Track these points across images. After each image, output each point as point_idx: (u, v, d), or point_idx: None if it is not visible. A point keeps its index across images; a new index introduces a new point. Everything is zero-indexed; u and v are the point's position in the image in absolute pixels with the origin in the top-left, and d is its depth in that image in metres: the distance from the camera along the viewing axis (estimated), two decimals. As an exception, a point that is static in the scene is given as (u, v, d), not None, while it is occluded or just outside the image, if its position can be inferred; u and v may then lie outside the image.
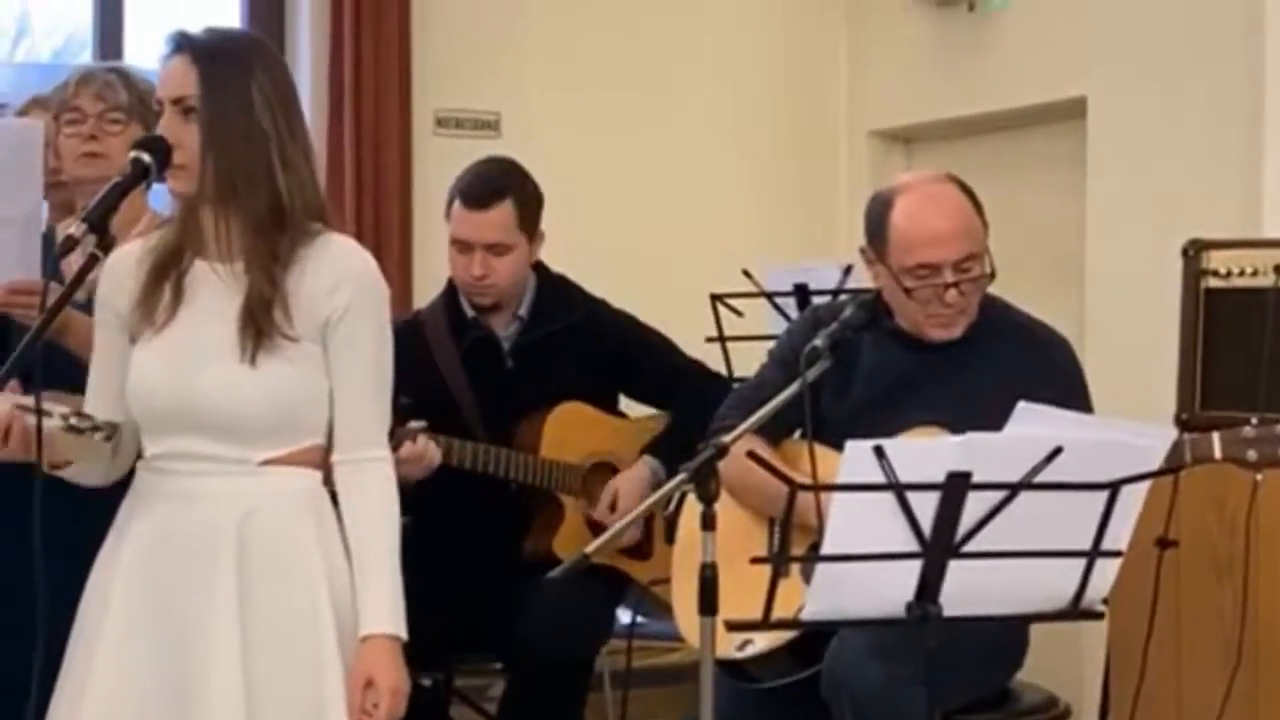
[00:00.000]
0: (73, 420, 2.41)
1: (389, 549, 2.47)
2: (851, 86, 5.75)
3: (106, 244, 2.36)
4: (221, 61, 2.44)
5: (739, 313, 4.40)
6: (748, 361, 3.86)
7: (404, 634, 2.45)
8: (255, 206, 2.44)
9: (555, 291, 3.87)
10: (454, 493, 3.58)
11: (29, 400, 2.36)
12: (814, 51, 5.76)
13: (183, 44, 2.46)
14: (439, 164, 4.67)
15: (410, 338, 3.51)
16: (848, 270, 4.23)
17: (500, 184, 3.73)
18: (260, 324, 2.42)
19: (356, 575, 2.45)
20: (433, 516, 3.60)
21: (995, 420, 2.33)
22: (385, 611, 2.44)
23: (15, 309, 2.79)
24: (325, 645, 2.42)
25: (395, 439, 3.06)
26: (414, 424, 3.43)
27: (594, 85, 5.38)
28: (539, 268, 3.86)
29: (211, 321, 2.45)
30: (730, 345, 4.35)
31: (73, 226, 2.35)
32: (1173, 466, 2.73)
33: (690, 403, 3.78)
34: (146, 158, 2.40)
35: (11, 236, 2.78)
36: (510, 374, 3.80)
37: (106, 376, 2.55)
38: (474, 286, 3.75)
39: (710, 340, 4.31)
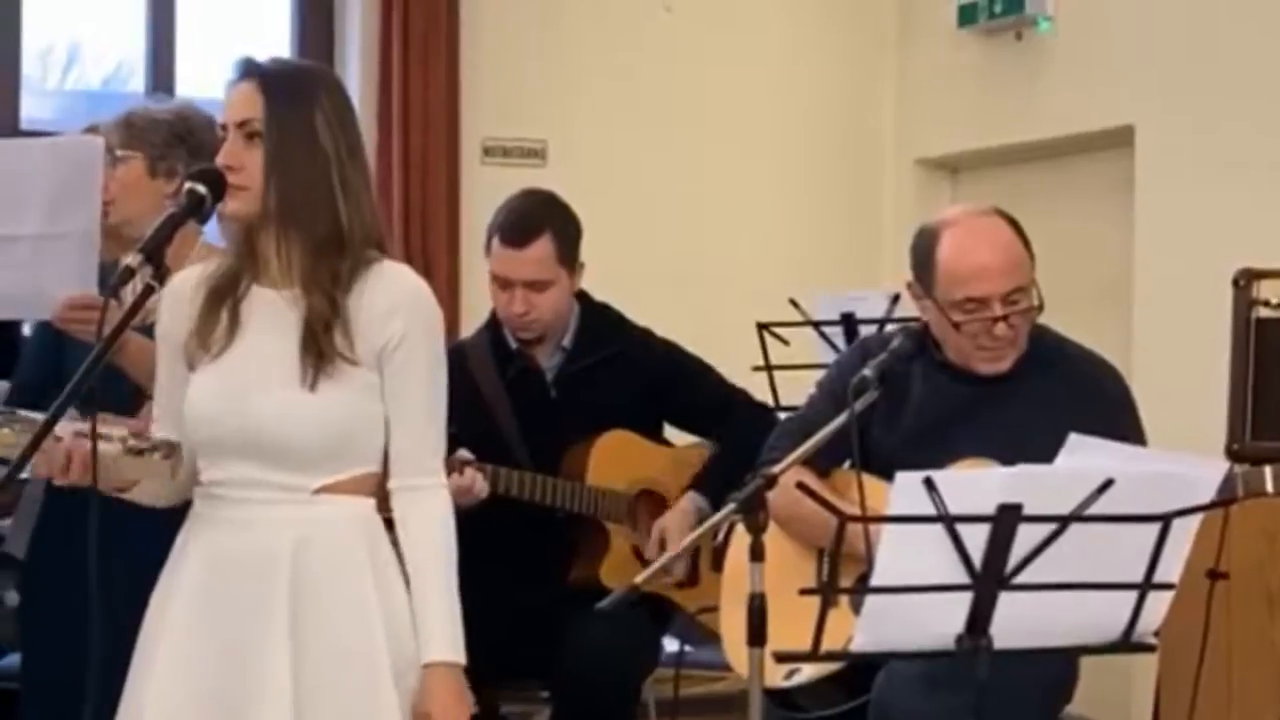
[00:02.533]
0: (131, 442, 2.43)
1: (447, 576, 2.48)
2: (898, 115, 5.76)
3: (161, 274, 2.39)
4: (287, 87, 2.47)
5: (785, 341, 4.39)
6: (794, 391, 3.86)
7: (463, 659, 2.46)
8: (315, 229, 2.46)
9: (599, 321, 3.87)
10: (501, 520, 3.57)
11: (88, 427, 2.38)
12: (861, 80, 5.76)
13: (250, 70, 2.50)
14: (486, 192, 4.69)
15: (454, 368, 3.47)
16: (895, 299, 4.22)
17: (537, 220, 3.71)
18: (322, 346, 2.43)
19: (415, 602, 2.46)
20: (480, 544, 3.60)
21: (1045, 452, 2.32)
22: (443, 639, 2.44)
23: (73, 325, 2.81)
24: (380, 674, 2.42)
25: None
26: (461, 454, 3.45)
27: (640, 114, 5.40)
28: (582, 297, 3.86)
29: (269, 346, 2.46)
30: (776, 374, 4.34)
31: (129, 257, 2.38)
32: (1225, 499, 2.71)
33: (735, 433, 3.78)
34: (201, 189, 2.43)
35: (70, 250, 2.80)
36: (554, 404, 3.80)
37: (169, 401, 2.56)
38: (517, 322, 3.75)
39: (757, 369, 4.30)
